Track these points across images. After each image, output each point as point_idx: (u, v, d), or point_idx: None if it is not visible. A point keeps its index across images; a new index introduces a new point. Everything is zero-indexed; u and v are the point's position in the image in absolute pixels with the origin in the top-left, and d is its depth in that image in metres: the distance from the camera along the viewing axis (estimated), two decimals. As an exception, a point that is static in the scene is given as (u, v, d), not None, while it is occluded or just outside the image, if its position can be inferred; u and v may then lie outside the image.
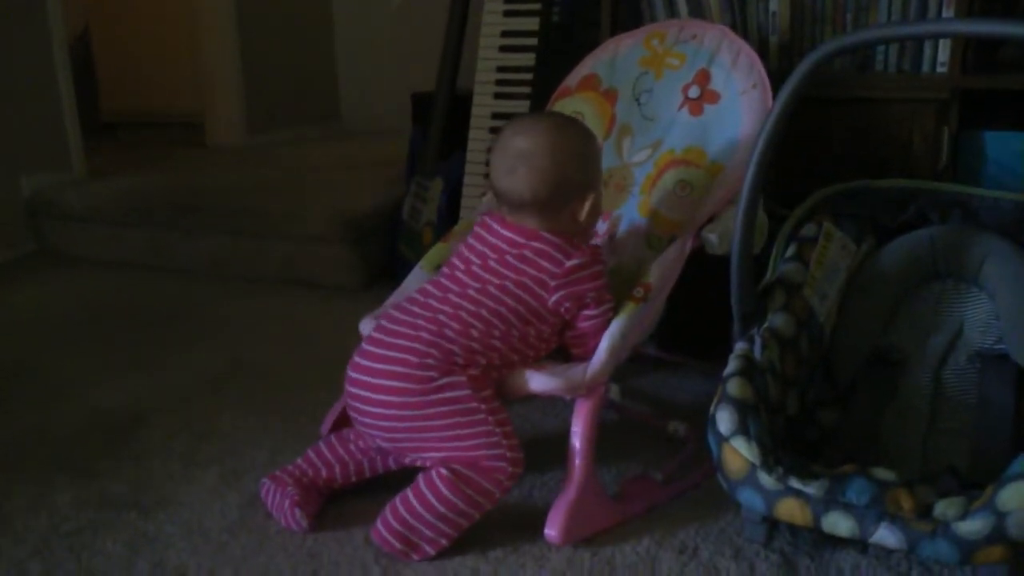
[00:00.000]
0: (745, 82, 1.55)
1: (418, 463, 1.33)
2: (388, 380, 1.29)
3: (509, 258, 1.35)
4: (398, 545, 1.26)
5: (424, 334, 1.30)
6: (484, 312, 1.31)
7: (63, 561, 1.30)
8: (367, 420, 1.33)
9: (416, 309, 1.35)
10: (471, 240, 1.41)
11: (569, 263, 1.33)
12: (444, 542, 1.27)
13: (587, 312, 1.36)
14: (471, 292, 1.34)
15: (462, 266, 1.38)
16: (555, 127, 1.38)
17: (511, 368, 1.34)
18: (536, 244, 1.35)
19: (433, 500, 1.26)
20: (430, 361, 1.28)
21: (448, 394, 1.27)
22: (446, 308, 1.33)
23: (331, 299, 2.49)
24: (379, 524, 1.28)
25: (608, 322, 1.35)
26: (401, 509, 1.27)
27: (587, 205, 1.38)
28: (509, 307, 1.32)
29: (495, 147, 1.39)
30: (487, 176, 2.25)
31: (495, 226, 1.38)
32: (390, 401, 1.29)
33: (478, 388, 1.29)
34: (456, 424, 1.27)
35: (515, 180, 1.34)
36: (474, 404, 1.28)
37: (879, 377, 1.46)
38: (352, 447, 1.42)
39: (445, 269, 1.41)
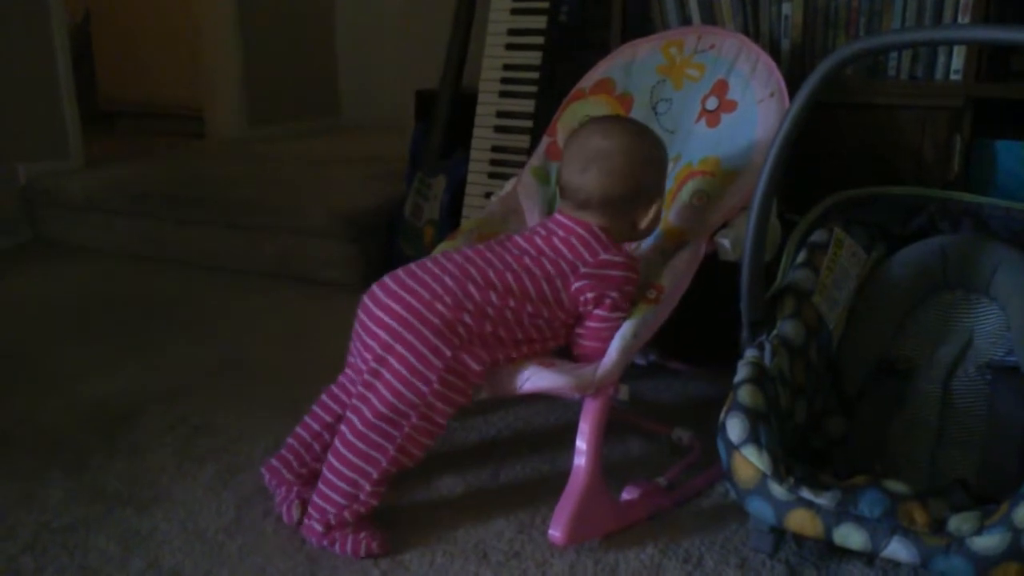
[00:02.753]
0: (763, 91, 1.53)
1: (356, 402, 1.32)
2: (396, 303, 1.30)
3: (555, 239, 1.38)
4: (319, 528, 1.28)
5: (448, 279, 1.32)
6: (509, 276, 1.34)
7: (56, 557, 1.28)
8: (367, 324, 1.32)
9: (455, 256, 1.38)
10: (536, 225, 1.45)
11: (604, 256, 1.36)
12: (344, 511, 1.27)
13: (599, 312, 1.36)
14: (508, 256, 1.37)
15: (514, 237, 1.42)
16: (635, 131, 1.42)
17: (516, 352, 1.33)
18: (583, 232, 1.38)
19: (341, 448, 1.29)
20: (439, 306, 1.29)
21: (424, 350, 1.27)
22: (478, 261, 1.36)
23: (328, 295, 2.47)
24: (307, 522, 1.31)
25: (613, 331, 1.35)
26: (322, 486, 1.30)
27: (652, 212, 1.41)
28: (534, 278, 1.34)
29: (569, 144, 1.42)
30: (491, 176, 2.24)
31: (558, 215, 1.42)
32: (385, 320, 1.30)
33: (450, 373, 1.28)
34: (402, 378, 1.27)
35: (588, 178, 1.37)
36: (430, 376, 1.27)
37: (887, 386, 1.45)
38: (326, 417, 1.41)
39: (471, 250, 1.42)
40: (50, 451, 1.58)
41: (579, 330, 1.38)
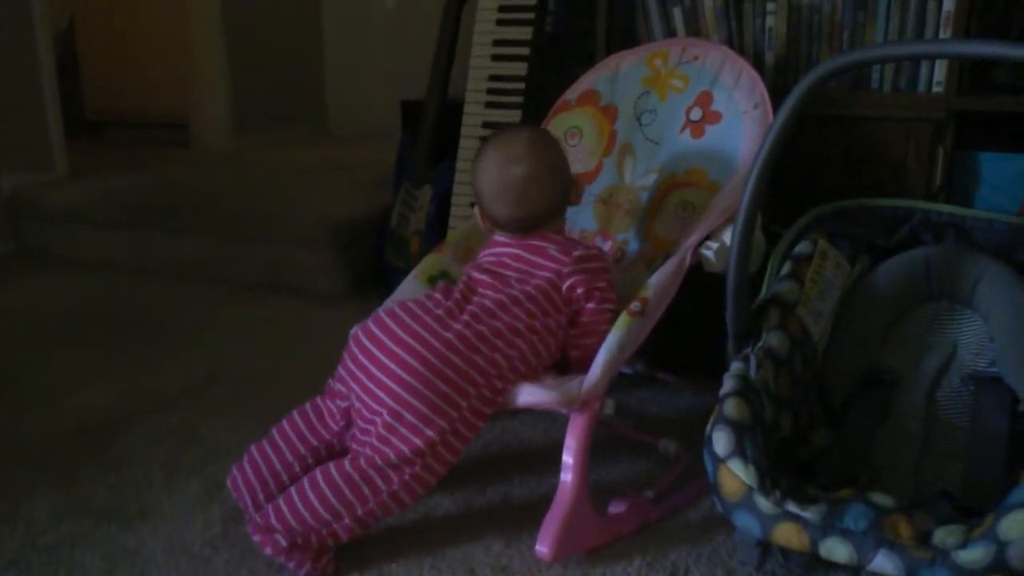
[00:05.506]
0: (747, 102, 1.54)
1: (356, 432, 1.31)
2: (407, 353, 1.28)
3: (528, 255, 1.42)
4: (283, 543, 1.24)
5: (456, 324, 1.31)
6: (505, 298, 1.36)
7: (41, 573, 1.27)
8: (370, 368, 1.30)
9: (454, 292, 1.38)
10: (484, 263, 1.45)
11: (577, 252, 1.40)
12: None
13: (591, 306, 1.39)
14: (499, 283, 1.39)
15: (492, 267, 1.42)
16: (533, 140, 1.45)
17: (523, 377, 1.34)
18: (545, 244, 1.42)
19: (336, 477, 1.25)
20: (454, 356, 1.28)
21: (441, 403, 1.26)
22: (475, 299, 1.37)
23: (316, 305, 2.46)
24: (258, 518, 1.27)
25: (608, 323, 1.37)
26: (283, 507, 1.25)
27: (580, 184, 1.50)
28: (530, 295, 1.36)
29: (488, 180, 1.43)
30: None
31: (501, 238, 1.46)
32: (395, 370, 1.27)
33: (463, 424, 1.28)
34: (416, 430, 1.25)
35: (528, 205, 1.41)
36: (444, 426, 1.27)
37: (872, 398, 1.45)
38: (300, 447, 1.36)
39: (459, 288, 1.40)
40: (35, 465, 1.58)
41: (573, 331, 1.40)
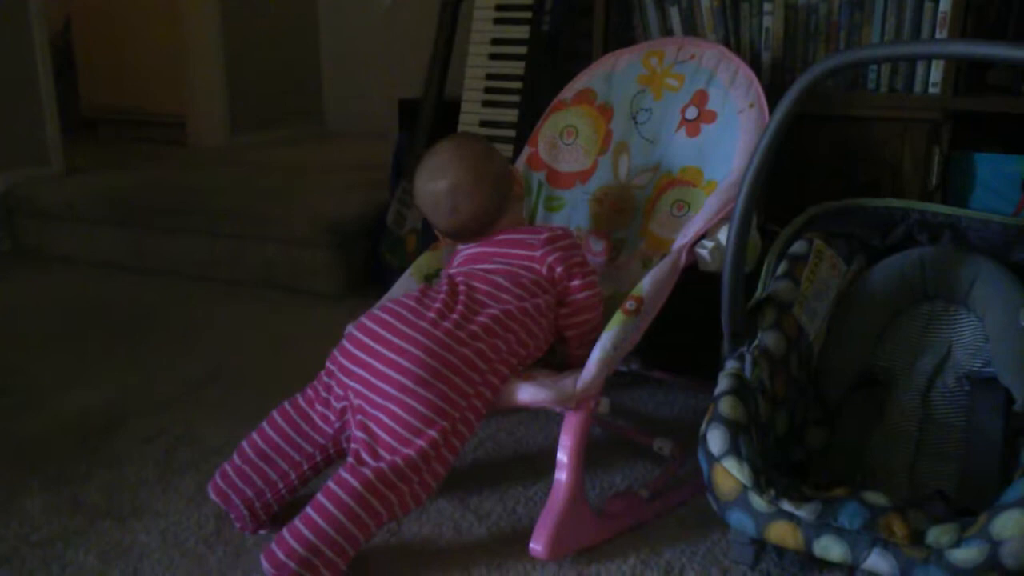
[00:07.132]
0: (742, 101, 1.54)
1: (354, 430, 1.27)
2: (413, 347, 1.27)
3: (503, 250, 1.43)
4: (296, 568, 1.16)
5: (456, 315, 1.31)
6: (491, 288, 1.37)
7: (34, 570, 1.27)
8: (374, 366, 1.27)
9: (442, 287, 1.38)
10: (459, 265, 1.46)
11: (543, 236, 1.42)
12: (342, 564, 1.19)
13: (576, 283, 1.40)
14: (478, 275, 1.40)
15: (464, 272, 1.42)
16: (452, 150, 1.47)
17: (522, 364, 1.36)
18: (511, 236, 1.44)
19: (348, 501, 1.19)
20: (460, 347, 1.28)
21: (452, 395, 1.26)
22: (463, 291, 1.36)
23: (312, 304, 2.46)
24: (275, 547, 1.17)
25: (597, 296, 1.40)
26: (302, 528, 1.18)
27: (518, 178, 1.53)
28: (518, 283, 1.38)
29: (421, 199, 1.48)
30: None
31: (462, 246, 1.49)
32: (404, 365, 1.26)
33: (471, 412, 1.28)
34: (422, 418, 1.24)
35: (463, 212, 1.44)
36: (454, 415, 1.26)
37: (867, 398, 1.45)
38: (295, 455, 1.34)
39: (445, 285, 1.39)
40: (29, 463, 1.57)
41: (564, 310, 1.41)
